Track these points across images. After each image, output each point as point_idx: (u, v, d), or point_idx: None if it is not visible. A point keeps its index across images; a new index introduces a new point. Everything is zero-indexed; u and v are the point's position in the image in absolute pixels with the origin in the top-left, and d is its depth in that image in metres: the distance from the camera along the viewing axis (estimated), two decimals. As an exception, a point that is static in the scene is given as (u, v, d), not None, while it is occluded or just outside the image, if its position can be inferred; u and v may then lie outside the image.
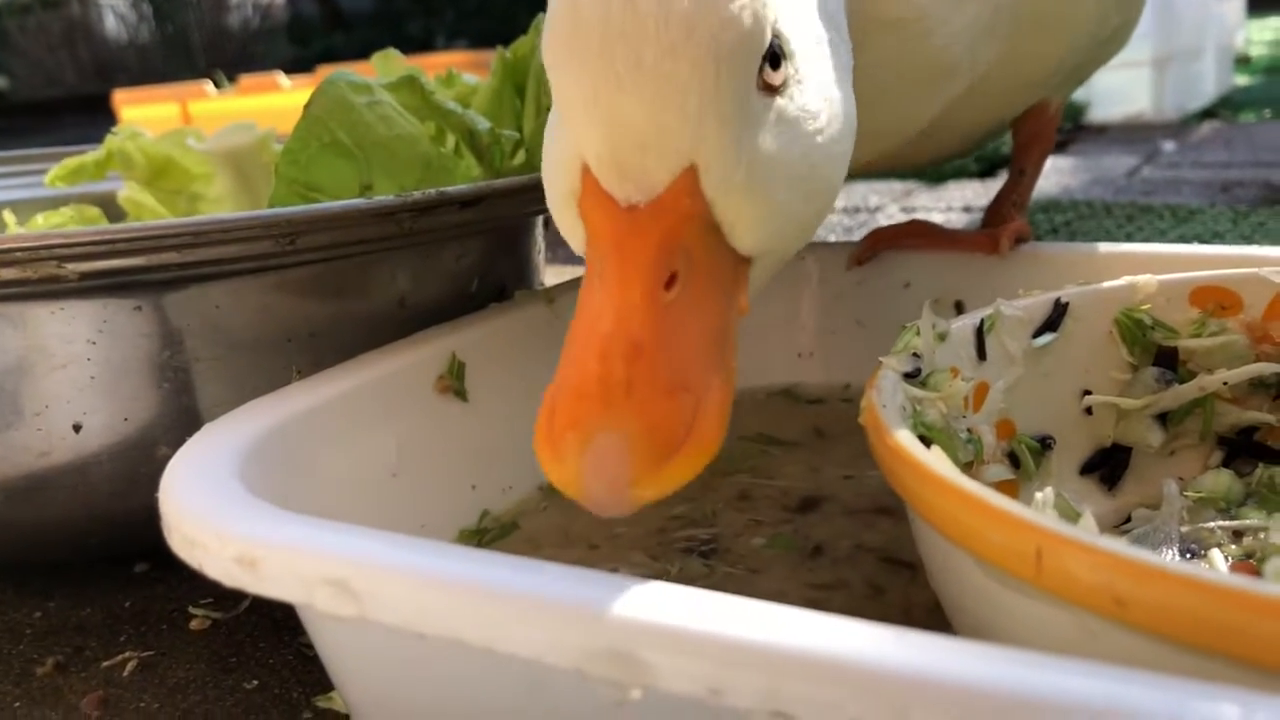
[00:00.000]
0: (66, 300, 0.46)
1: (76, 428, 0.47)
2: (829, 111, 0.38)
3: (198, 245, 0.43)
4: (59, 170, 0.80)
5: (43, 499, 0.48)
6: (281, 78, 2.97)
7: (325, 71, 2.98)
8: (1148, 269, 0.55)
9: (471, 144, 0.56)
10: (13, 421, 0.47)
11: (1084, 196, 1.40)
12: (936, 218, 1.36)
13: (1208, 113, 2.32)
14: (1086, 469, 0.47)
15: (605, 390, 0.31)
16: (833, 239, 1.21)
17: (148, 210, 0.83)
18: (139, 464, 0.48)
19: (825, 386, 0.64)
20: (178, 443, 0.41)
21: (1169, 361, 0.47)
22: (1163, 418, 0.47)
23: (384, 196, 0.45)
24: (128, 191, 0.82)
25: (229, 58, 9.29)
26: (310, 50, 9.92)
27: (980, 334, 0.45)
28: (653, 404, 0.31)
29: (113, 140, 0.79)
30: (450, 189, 0.47)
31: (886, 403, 0.37)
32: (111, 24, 10.73)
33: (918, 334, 0.42)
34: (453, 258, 0.54)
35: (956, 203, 1.44)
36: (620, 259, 0.33)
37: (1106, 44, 0.64)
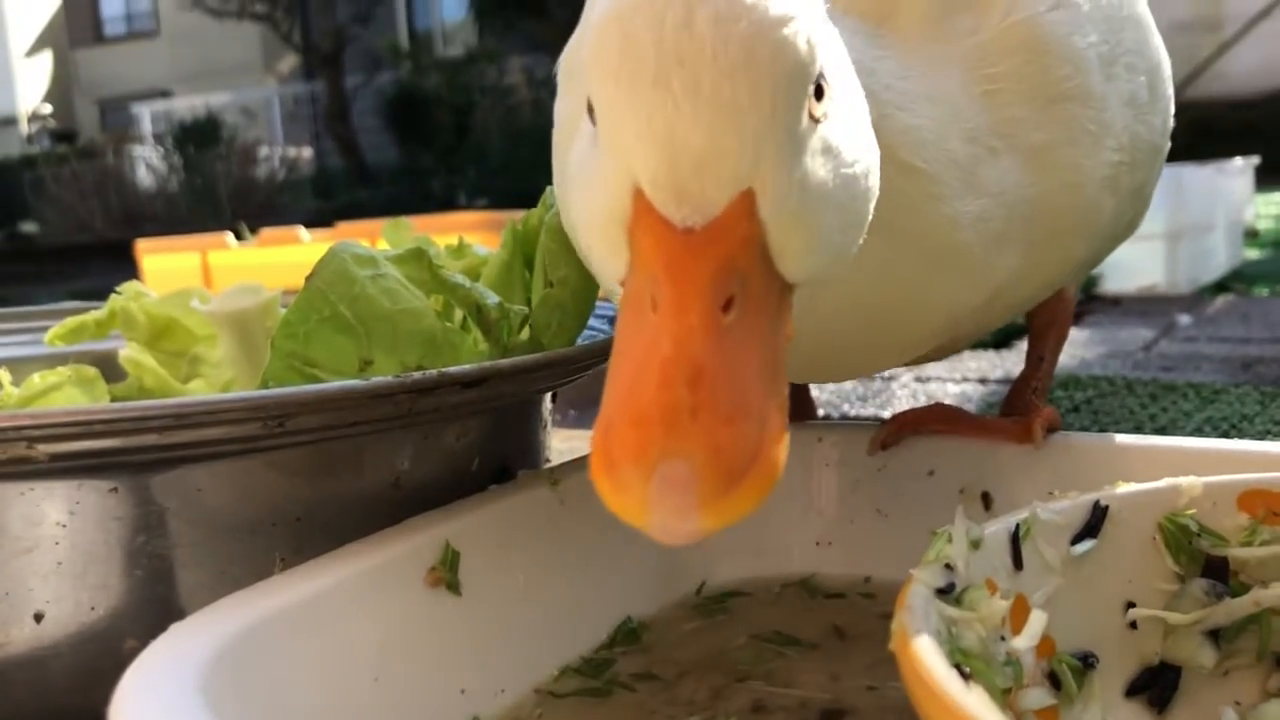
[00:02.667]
0: (36, 480, 0.43)
1: (38, 617, 0.44)
2: (861, 145, 0.39)
3: (180, 428, 0.40)
4: (59, 329, 0.78)
5: (2, 694, 0.44)
6: (302, 232, 3.01)
7: (346, 228, 3.02)
8: (1185, 465, 0.52)
9: (479, 319, 0.54)
10: (-30, 609, 0.44)
11: (1102, 370, 1.38)
12: (951, 388, 1.34)
13: (1221, 286, 2.32)
14: (1133, 690, 0.43)
15: (669, 416, 0.31)
16: (848, 409, 1.18)
17: (148, 371, 0.81)
18: (103, 657, 0.45)
19: (845, 579, 0.60)
20: (148, 635, 0.38)
21: (1219, 572, 0.44)
22: (1214, 634, 0.43)
23: (382, 377, 0.43)
24: (129, 351, 0.81)
25: (254, 209, 9.51)
26: (335, 203, 10.15)
27: (1016, 540, 0.42)
28: (718, 430, 0.31)
29: (116, 300, 0.78)
30: (452, 370, 0.45)
31: (919, 627, 0.33)
32: (142, 174, 11.04)
33: (950, 541, 0.39)
34: (453, 436, 0.52)
35: (972, 374, 1.42)
36: (678, 282, 0.33)
37: (1119, 235, 0.62)
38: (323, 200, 10.52)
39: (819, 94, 0.36)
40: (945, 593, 0.37)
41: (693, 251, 0.33)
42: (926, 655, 0.31)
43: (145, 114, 14.10)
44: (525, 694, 0.49)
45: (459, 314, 0.57)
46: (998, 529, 0.42)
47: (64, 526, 0.43)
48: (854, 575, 0.61)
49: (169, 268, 3.28)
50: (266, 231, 3.12)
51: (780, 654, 0.53)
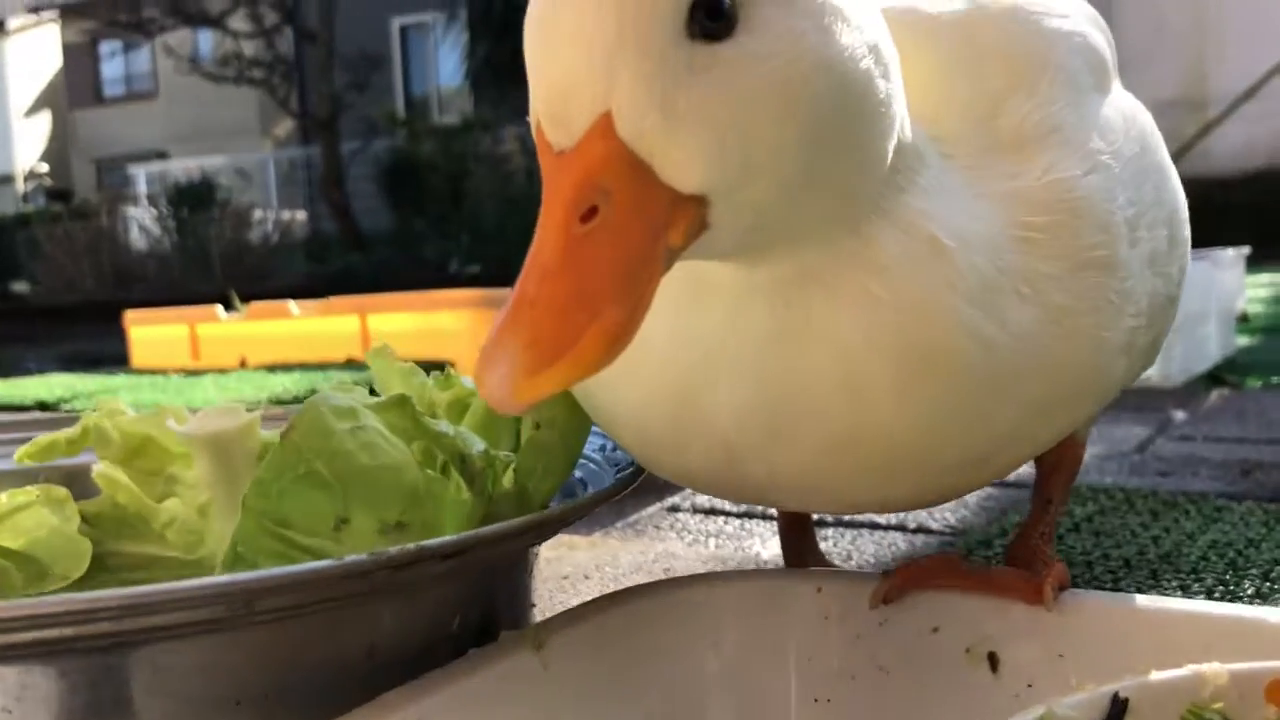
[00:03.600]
0: (-15, 662, 0.40)
1: (-19, 808, 0.41)
2: (792, 60, 0.40)
3: (136, 615, 0.38)
4: (30, 448, 0.75)
5: None
6: (292, 305, 3.00)
7: (337, 302, 3.01)
8: (1203, 632, 0.50)
9: (462, 469, 0.51)
10: (-93, 801, 0.40)
11: (1098, 475, 1.35)
12: (949, 516, 1.31)
13: (1214, 377, 2.31)
14: None
15: (515, 308, 0.36)
16: (839, 559, 1.15)
17: (122, 489, 0.78)
18: None
19: (843, 741, 0.57)
20: None
21: (1247, 772, 0.41)
22: (1243, 843, 0.41)
23: (355, 555, 0.40)
24: (102, 469, 0.78)
25: (246, 272, 9.52)
26: (328, 267, 10.18)
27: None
28: (542, 320, 0.36)
29: (89, 417, 0.75)
30: (430, 543, 0.43)
31: None
32: (135, 234, 11.06)
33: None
34: (431, 600, 0.49)
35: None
36: (546, 196, 0.38)
37: (1133, 380, 0.60)
38: (316, 264, 10.54)
39: (714, 14, 0.38)
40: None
41: (560, 169, 0.38)
42: None
43: (141, 175, 14.17)
44: None
45: (440, 459, 0.54)
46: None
47: (9, 713, 0.40)
48: (854, 737, 0.58)
49: (157, 338, 3.26)
50: (256, 304, 3.10)
51: (777, 833, 0.50)
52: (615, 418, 0.51)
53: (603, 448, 0.67)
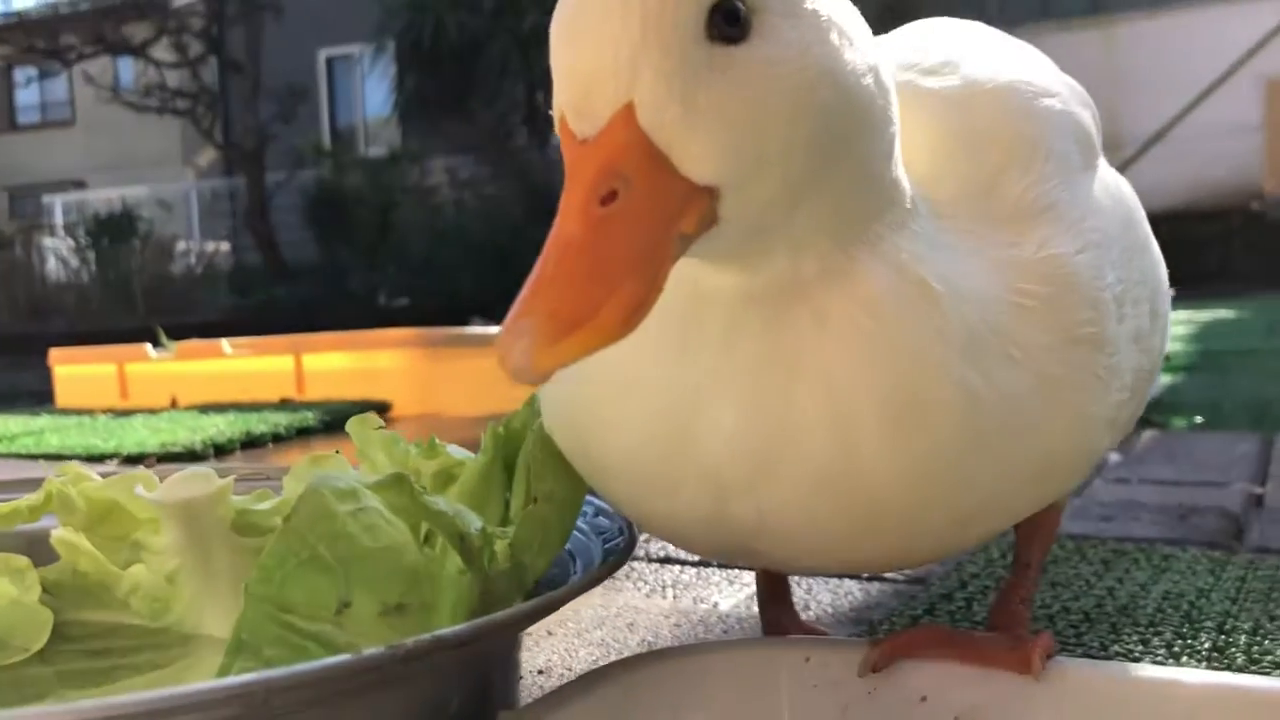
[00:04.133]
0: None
1: None
2: (800, 67, 0.43)
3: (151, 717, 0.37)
4: (-10, 515, 0.73)
5: None
6: (224, 344, 2.95)
7: (270, 342, 2.96)
8: (1186, 700, 0.51)
9: (461, 548, 0.51)
10: None
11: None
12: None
13: (1144, 418, 2.36)
14: None
15: (536, 284, 0.39)
16: (799, 608, 1.16)
17: (84, 555, 0.76)
18: None
19: (834, 811, 0.58)
20: None
21: (1245, 847, 0.42)
22: None
23: (373, 649, 0.40)
24: (62, 533, 0.76)
25: (169, 304, 9.34)
26: (253, 300, 10.02)
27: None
28: (564, 294, 0.38)
29: (52, 483, 0.74)
30: (445, 633, 0.42)
31: None
32: (52, 266, 10.79)
33: None
34: (432, 683, 0.49)
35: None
36: (569, 180, 0.41)
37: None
38: (240, 297, 10.37)
39: (732, 19, 0.42)
40: None
41: (583, 156, 0.41)
42: None
43: (57, 204, 13.84)
44: None
45: (439, 540, 0.54)
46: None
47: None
48: (844, 806, 0.58)
49: (83, 377, 3.18)
50: (186, 344, 3.04)
51: None
52: (608, 467, 0.52)
53: (584, 513, 0.67)
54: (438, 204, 11.25)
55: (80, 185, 15.49)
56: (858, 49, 0.46)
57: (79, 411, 2.92)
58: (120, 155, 15.41)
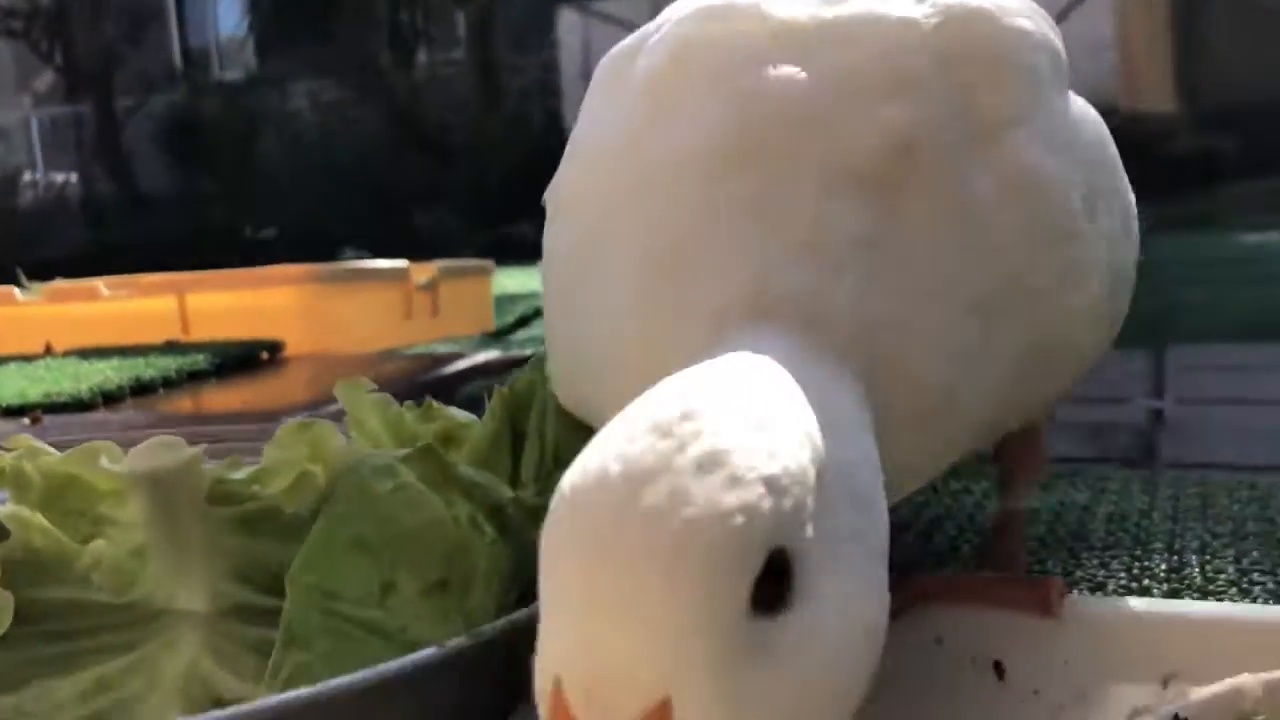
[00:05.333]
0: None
1: None
2: (849, 629, 0.36)
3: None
4: (-64, 495, 0.68)
5: None
6: (101, 286, 2.81)
7: (152, 282, 2.83)
8: (1206, 633, 0.54)
9: (494, 518, 0.49)
10: None
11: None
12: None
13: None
14: None
15: None
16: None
17: (36, 531, 0.72)
18: None
19: (856, 754, 0.59)
20: None
21: (1289, 776, 0.45)
22: (1292, 842, 0.44)
23: (456, 640, 0.38)
24: (12, 510, 0.72)
25: (17, 239, 8.85)
26: (108, 233, 9.56)
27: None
28: None
29: (4, 458, 0.69)
30: (518, 615, 0.41)
31: None
32: (-118, 201, 10.11)
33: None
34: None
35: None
36: None
37: (1095, 362, 0.64)
38: (95, 230, 9.90)
39: (776, 578, 0.33)
40: None
41: None
42: None
43: (-118, 135, 12.92)
44: None
45: (469, 510, 0.53)
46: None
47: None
48: (866, 748, 0.59)
49: (-59, 324, 3.00)
50: (59, 285, 2.89)
51: None
52: None
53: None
54: (301, 130, 10.87)
55: (-93, 114, 14.47)
56: (881, 563, 0.39)
57: (-58, 361, 2.76)
58: (-51, 81, 14.42)
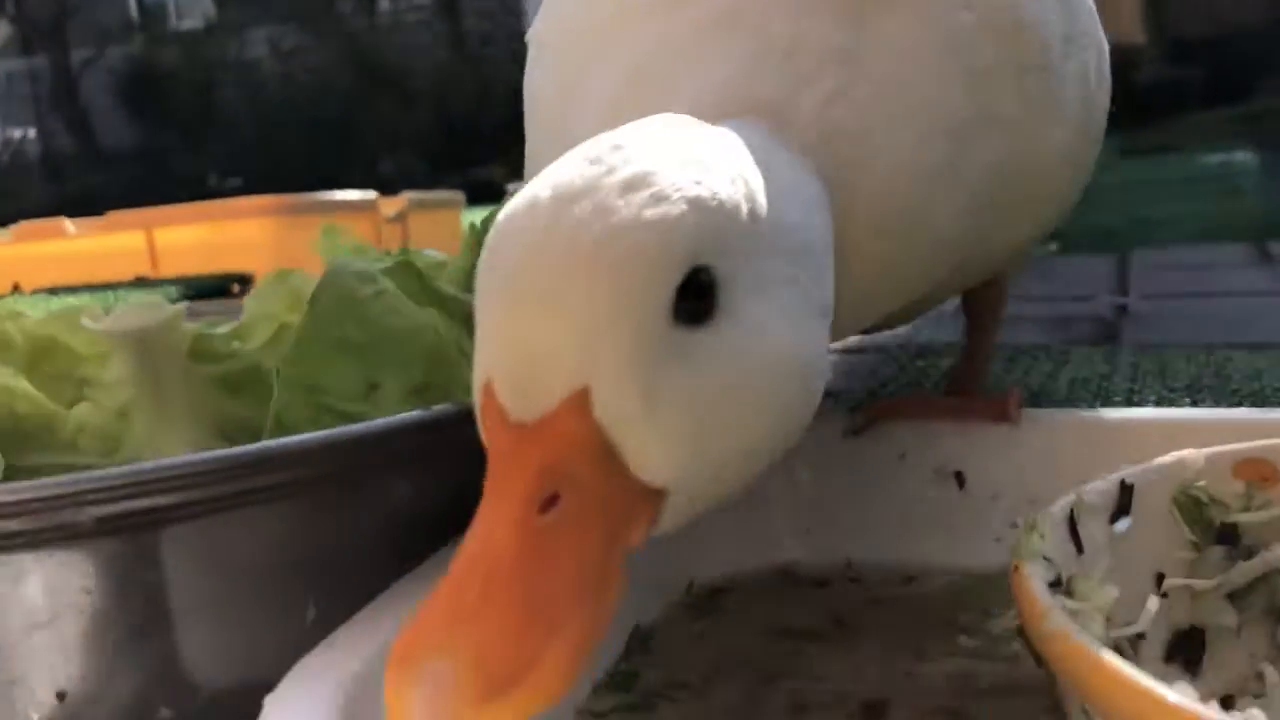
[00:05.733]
0: (55, 548, 0.38)
1: (60, 695, 0.39)
2: (769, 354, 0.37)
3: (239, 478, 0.37)
4: (-80, 356, 0.69)
5: (15, 787, 0.39)
6: (67, 224, 2.79)
7: (118, 217, 2.82)
8: (1155, 435, 0.56)
9: (470, 330, 0.51)
10: (-20, 695, 0.39)
11: (930, 334, 1.45)
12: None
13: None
14: (1169, 656, 0.46)
15: (450, 614, 0.30)
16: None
17: (20, 397, 0.73)
18: (135, 732, 0.41)
19: (826, 566, 0.62)
20: (183, 703, 0.35)
21: (1229, 538, 0.47)
22: (1231, 595, 0.47)
23: (409, 409, 0.40)
24: (-6, 376, 0.73)
25: (-25, 196, 8.72)
26: (67, 188, 9.44)
27: (1073, 525, 0.43)
28: (494, 632, 0.30)
29: (-14, 320, 0.70)
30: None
31: (1069, 625, 0.34)
32: None
33: (1041, 537, 0.40)
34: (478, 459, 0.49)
35: (849, 342, 1.46)
36: (499, 475, 0.33)
37: (1064, 213, 0.66)
38: (54, 185, 9.76)
39: (701, 294, 0.35)
40: (1055, 585, 0.38)
41: (518, 445, 0.33)
42: (1109, 657, 0.32)
43: None
44: (570, 717, 0.48)
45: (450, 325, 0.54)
46: (1055, 515, 0.43)
47: (89, 593, 0.39)
48: (835, 561, 0.62)
49: (-94, 266, 2.98)
50: (26, 225, 2.87)
51: (799, 649, 0.54)
52: None
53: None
54: (262, 78, 10.73)
55: None
56: (821, 314, 0.41)
57: (-91, 303, 2.74)
58: (-101, 37, 14.09)
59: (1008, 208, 0.55)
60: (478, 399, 0.35)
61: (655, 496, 0.35)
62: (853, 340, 1.47)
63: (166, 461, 0.36)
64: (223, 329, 0.70)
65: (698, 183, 0.35)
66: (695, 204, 0.35)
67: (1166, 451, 0.50)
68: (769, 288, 0.37)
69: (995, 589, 0.56)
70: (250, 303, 0.69)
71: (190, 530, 0.40)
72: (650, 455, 0.34)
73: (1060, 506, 0.44)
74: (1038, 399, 0.93)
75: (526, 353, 0.33)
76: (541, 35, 0.57)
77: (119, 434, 0.74)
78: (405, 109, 9.54)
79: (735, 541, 0.62)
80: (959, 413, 0.60)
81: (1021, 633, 0.38)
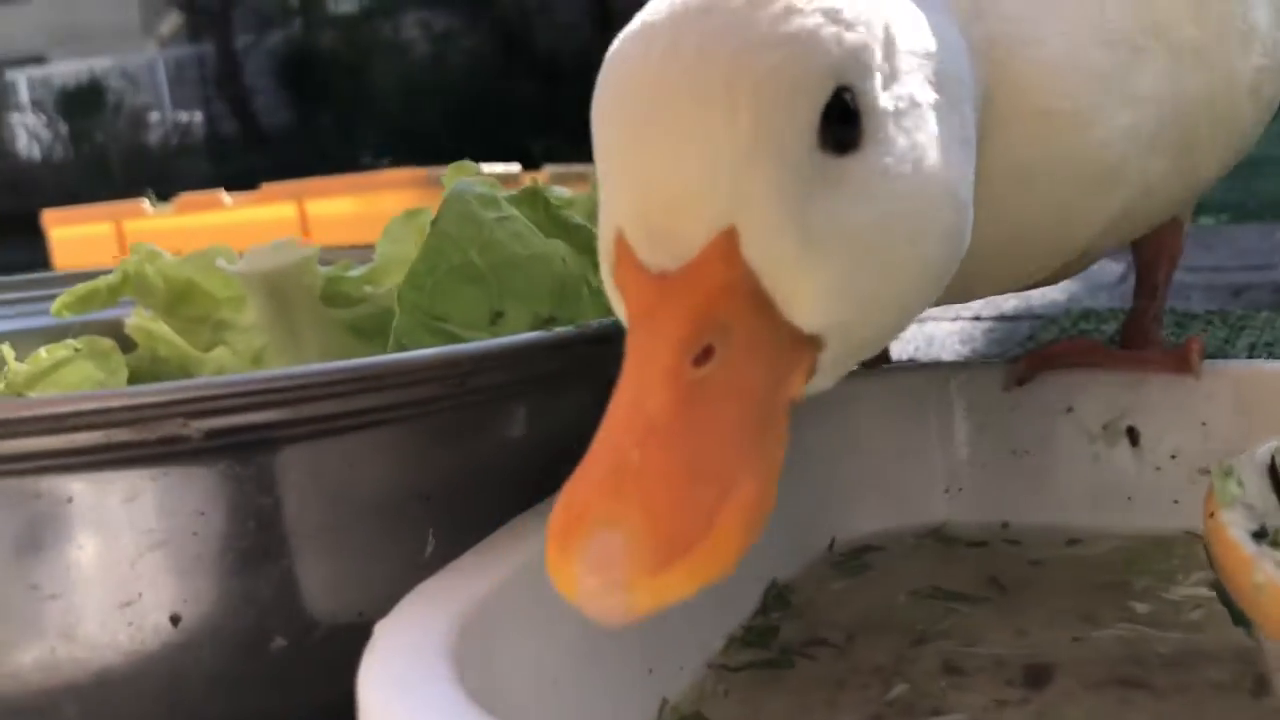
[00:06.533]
0: (168, 465, 0.37)
1: (174, 619, 0.38)
2: (920, 179, 0.34)
3: (355, 393, 0.35)
4: (67, 297, 0.70)
5: (130, 710, 0.38)
6: (224, 195, 2.89)
7: (271, 189, 2.90)
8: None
9: (598, 262, 0.48)
10: (95, 616, 0.38)
11: (1092, 302, 1.37)
12: (948, 326, 1.32)
13: (1170, 218, 2.35)
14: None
15: (612, 479, 0.28)
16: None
17: (161, 341, 0.73)
18: (249, 660, 0.39)
19: (982, 526, 0.57)
20: (297, 632, 0.33)
21: None
22: None
23: (561, 328, 0.38)
24: (137, 319, 0.73)
25: (147, 176, 9.15)
26: (231, 168, 9.82)
27: (1275, 474, 0.38)
28: (662, 494, 0.27)
29: (128, 262, 0.71)
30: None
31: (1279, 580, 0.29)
32: (24, 143, 10.54)
33: (1239, 484, 0.35)
34: (594, 389, 0.47)
35: (966, 312, 1.41)
36: (645, 331, 0.30)
37: (1244, 151, 0.60)
38: (219, 165, 10.17)
39: (846, 117, 0.32)
40: (1260, 536, 0.33)
41: (664, 297, 0.30)
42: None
43: (21, 80, 13.44)
44: (701, 670, 0.45)
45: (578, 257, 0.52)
46: (1256, 461, 0.38)
47: (203, 515, 0.37)
48: (991, 521, 0.57)
49: (80, 238, 3.12)
50: (185, 196, 2.98)
51: (951, 610, 0.49)
52: None
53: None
54: (414, 60, 10.97)
55: (41, 60, 15.02)
56: (966, 148, 0.37)
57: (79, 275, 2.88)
58: (79, 27, 14.89)
59: (1187, 144, 0.50)
60: (608, 255, 0.32)
61: (810, 345, 0.32)
62: (1008, 305, 1.40)
63: (275, 372, 0.34)
64: (356, 272, 0.69)
65: None
66: (833, 16, 0.31)
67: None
68: (914, 112, 0.34)
69: (1173, 554, 0.51)
70: (382, 244, 0.68)
71: (305, 452, 0.38)
72: (806, 297, 0.31)
73: (1262, 451, 0.39)
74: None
75: (663, 194, 0.30)
76: None
77: (255, 378, 0.74)
78: (552, 88, 9.62)
79: (882, 498, 0.58)
80: (1134, 362, 0.55)
81: (1218, 588, 0.33)
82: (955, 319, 1.36)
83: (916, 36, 0.35)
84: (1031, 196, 0.45)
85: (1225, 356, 0.87)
